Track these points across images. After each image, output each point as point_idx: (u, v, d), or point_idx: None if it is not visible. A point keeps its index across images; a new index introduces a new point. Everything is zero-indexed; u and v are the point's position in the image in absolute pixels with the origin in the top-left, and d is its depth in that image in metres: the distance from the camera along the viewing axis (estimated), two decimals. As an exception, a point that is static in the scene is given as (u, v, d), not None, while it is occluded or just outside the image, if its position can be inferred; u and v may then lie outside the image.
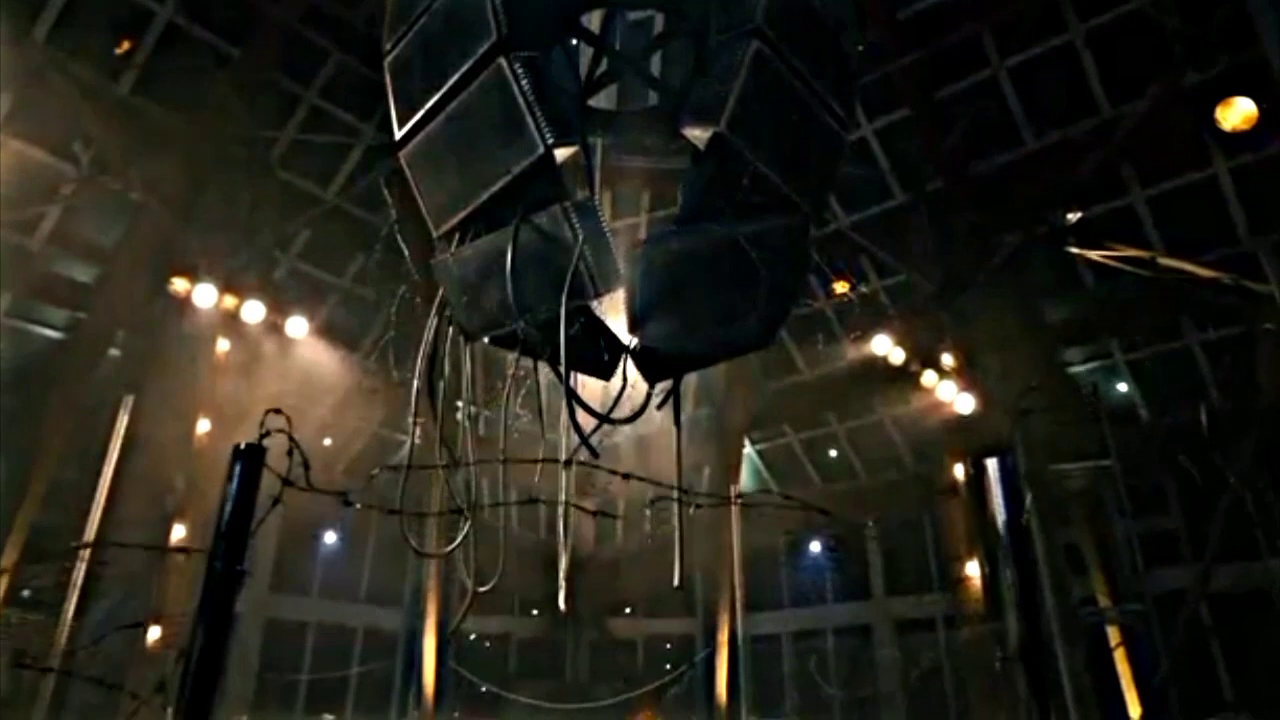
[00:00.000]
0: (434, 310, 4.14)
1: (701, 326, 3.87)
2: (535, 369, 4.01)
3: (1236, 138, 10.21)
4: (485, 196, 3.66)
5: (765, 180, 3.70)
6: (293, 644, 17.42)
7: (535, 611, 20.48)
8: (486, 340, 3.96)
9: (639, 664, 19.94)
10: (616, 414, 3.84)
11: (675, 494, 3.82)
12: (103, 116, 11.49)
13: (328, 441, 17.75)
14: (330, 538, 18.82)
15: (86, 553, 9.29)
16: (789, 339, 17.89)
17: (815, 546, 20.41)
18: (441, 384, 4.03)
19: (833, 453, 19.98)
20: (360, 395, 15.09)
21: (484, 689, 17.71)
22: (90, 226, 12.73)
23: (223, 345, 11.69)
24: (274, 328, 12.64)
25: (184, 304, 11.48)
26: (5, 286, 12.18)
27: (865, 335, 13.89)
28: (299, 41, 13.34)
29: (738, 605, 16.64)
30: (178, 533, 9.34)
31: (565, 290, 3.36)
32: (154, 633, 8.87)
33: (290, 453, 2.12)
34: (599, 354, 3.93)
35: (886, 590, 18.89)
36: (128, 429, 9.91)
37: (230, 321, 11.66)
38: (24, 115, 10.90)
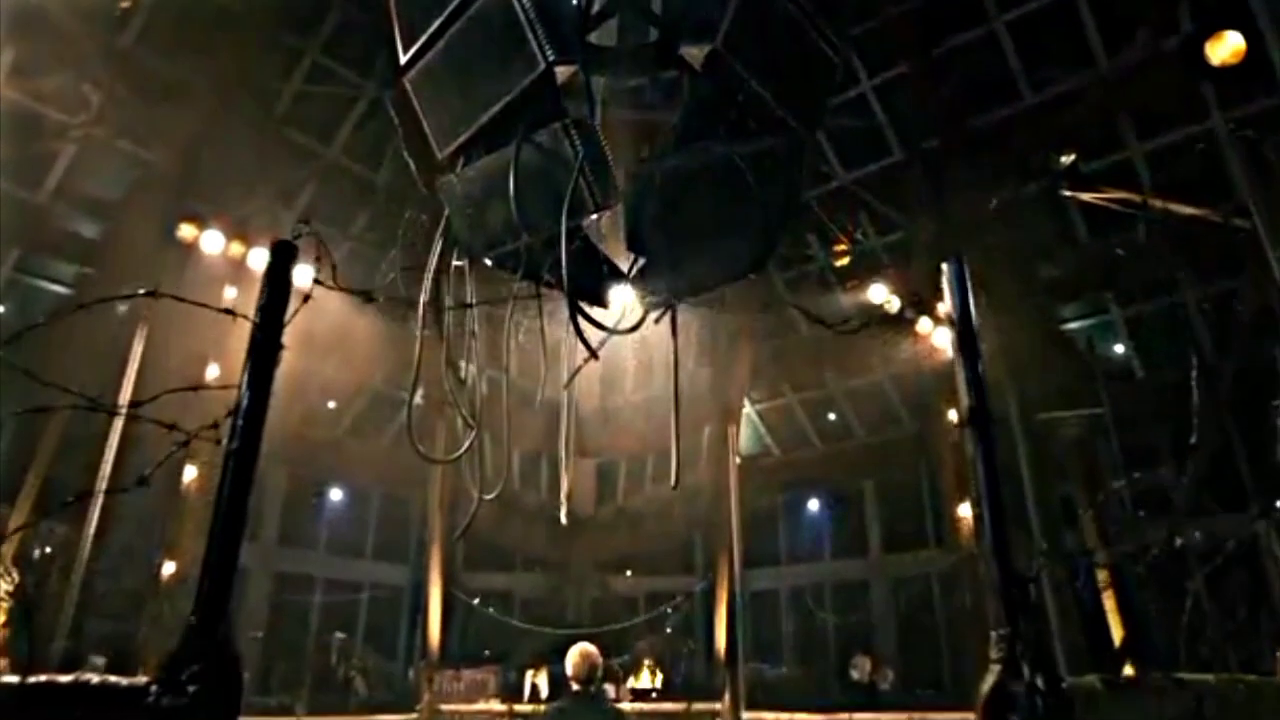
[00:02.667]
0: (439, 232, 4.30)
1: (697, 246, 4.02)
2: (538, 294, 4.17)
3: (1232, 90, 10.26)
4: (488, 116, 3.79)
5: (759, 101, 3.84)
6: (300, 597, 17.84)
7: (537, 569, 20.82)
8: (489, 262, 4.11)
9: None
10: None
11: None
12: (106, 68, 11.53)
13: (332, 404, 17.97)
14: (336, 494, 19.12)
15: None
16: (787, 297, 17.97)
17: (814, 504, 20.71)
18: (447, 299, 4.18)
19: (831, 416, 20.17)
20: (366, 356, 15.21)
21: (486, 652, 17.99)
22: (96, 181, 12.82)
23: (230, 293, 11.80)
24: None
25: (191, 251, 11.56)
26: (12, 243, 12.30)
27: (862, 284, 14.04)
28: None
29: (736, 561, 16.88)
30: (189, 473, 9.57)
31: (566, 201, 3.51)
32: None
33: (318, 259, 2.32)
34: (598, 276, 4.07)
35: (883, 547, 19.22)
36: (139, 368, 10.05)
37: (238, 269, 11.75)
38: (27, 66, 10.94)
